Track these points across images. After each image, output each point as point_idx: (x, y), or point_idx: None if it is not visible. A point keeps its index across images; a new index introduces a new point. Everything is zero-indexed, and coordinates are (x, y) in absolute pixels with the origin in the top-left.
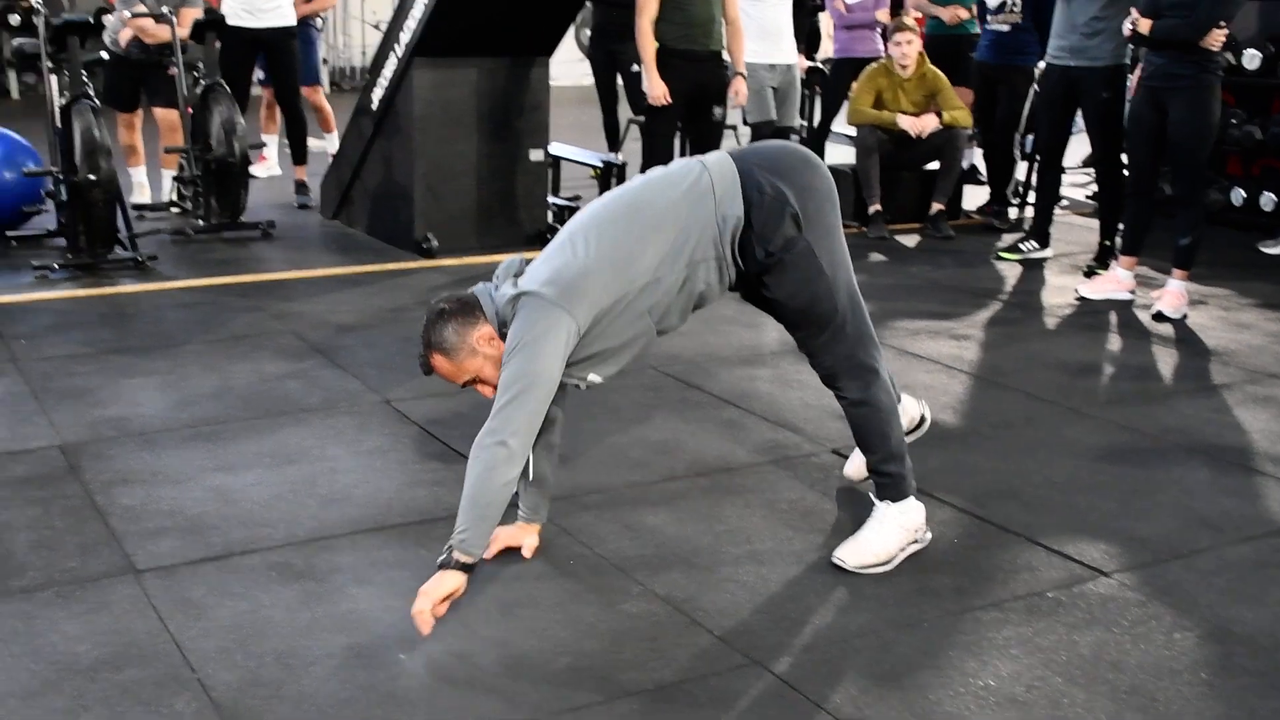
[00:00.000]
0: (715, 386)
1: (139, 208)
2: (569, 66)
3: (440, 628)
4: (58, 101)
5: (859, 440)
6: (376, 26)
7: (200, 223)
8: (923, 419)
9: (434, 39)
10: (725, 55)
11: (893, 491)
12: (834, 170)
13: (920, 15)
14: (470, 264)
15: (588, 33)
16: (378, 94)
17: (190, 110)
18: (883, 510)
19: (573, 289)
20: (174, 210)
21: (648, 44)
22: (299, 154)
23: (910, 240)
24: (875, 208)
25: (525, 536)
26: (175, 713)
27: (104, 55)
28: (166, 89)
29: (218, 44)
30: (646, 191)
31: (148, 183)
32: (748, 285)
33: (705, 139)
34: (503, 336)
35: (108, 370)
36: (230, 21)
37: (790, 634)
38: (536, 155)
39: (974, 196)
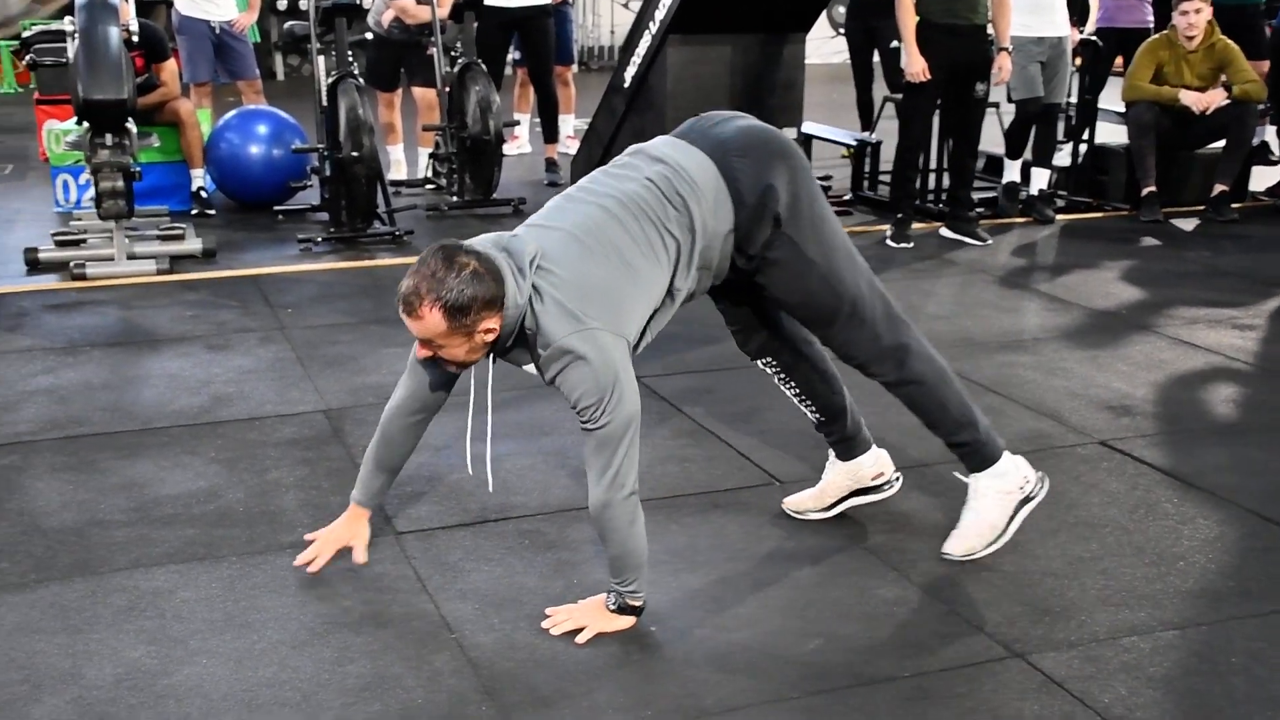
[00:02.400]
0: (973, 372)
1: (396, 184)
2: (817, 44)
3: (690, 602)
4: (324, 81)
5: (921, 418)
6: (626, 5)
7: (454, 199)
8: (886, 483)
9: (688, 16)
10: (990, 29)
11: (976, 460)
12: (1102, 149)
13: None
14: None
15: (842, 10)
16: (630, 71)
17: (448, 89)
18: (975, 484)
19: (617, 314)
20: (429, 187)
21: (908, 18)
22: (550, 132)
23: (1187, 224)
24: (1149, 189)
25: (355, 528)
26: (435, 670)
27: (367, 36)
28: (425, 68)
29: (475, 24)
30: (639, 194)
31: (405, 160)
32: (740, 285)
33: (965, 117)
34: (508, 330)
35: (369, 339)
36: (487, 2)
37: (1054, 629)
38: (789, 134)
39: (1263, 177)
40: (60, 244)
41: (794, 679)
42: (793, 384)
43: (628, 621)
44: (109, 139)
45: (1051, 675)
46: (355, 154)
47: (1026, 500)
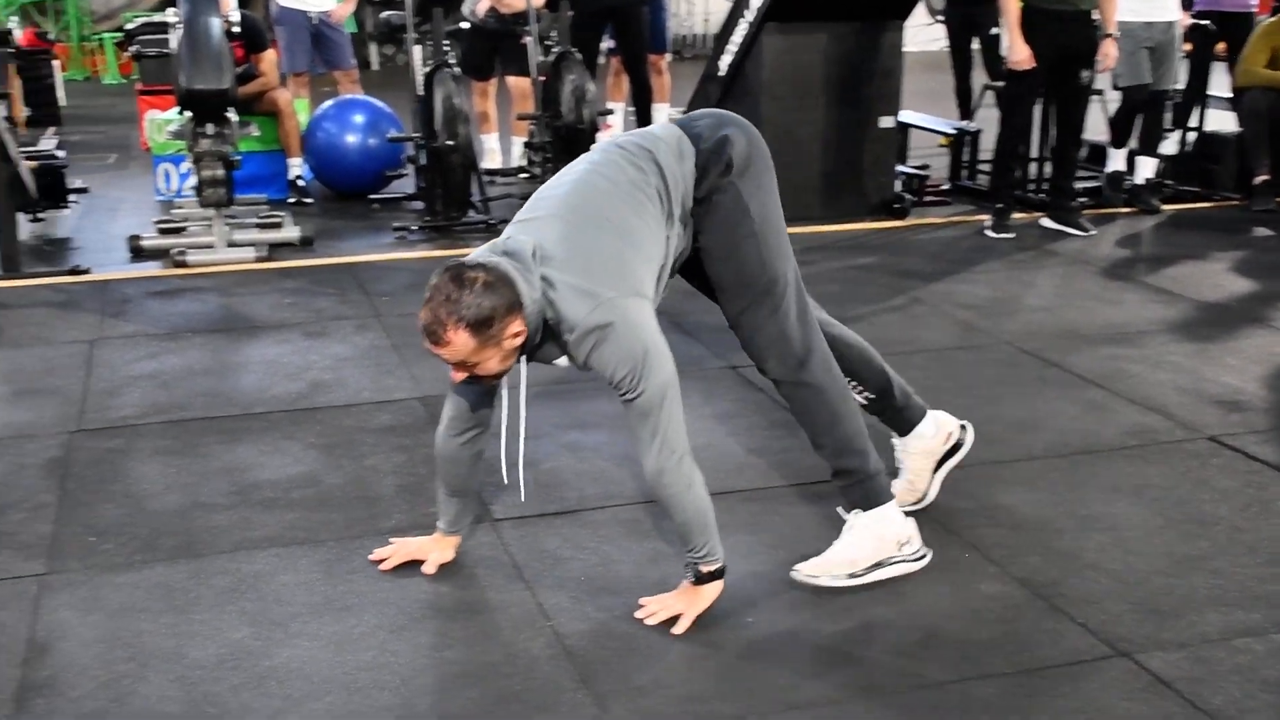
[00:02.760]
0: (1078, 365)
1: (490, 173)
2: (913, 32)
3: (789, 591)
4: (420, 71)
5: (808, 431)
6: None
7: None
8: (960, 443)
9: (786, 4)
10: (1095, 14)
11: (858, 495)
12: (1211, 136)
13: None
14: (814, 232)
15: None
16: (726, 60)
17: (542, 78)
18: (852, 520)
19: (633, 276)
20: (523, 175)
21: (1012, 3)
22: (644, 121)
23: None
24: (1262, 178)
25: (437, 549)
26: (531, 657)
27: (462, 25)
28: (520, 57)
29: (570, 13)
30: (629, 168)
31: (499, 149)
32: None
33: (1069, 105)
34: (533, 327)
35: None
36: None
37: (1163, 628)
38: (887, 122)
39: None
40: (162, 232)
41: (893, 673)
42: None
43: (714, 590)
44: (210, 128)
45: (1160, 675)
46: (451, 143)
47: (898, 562)
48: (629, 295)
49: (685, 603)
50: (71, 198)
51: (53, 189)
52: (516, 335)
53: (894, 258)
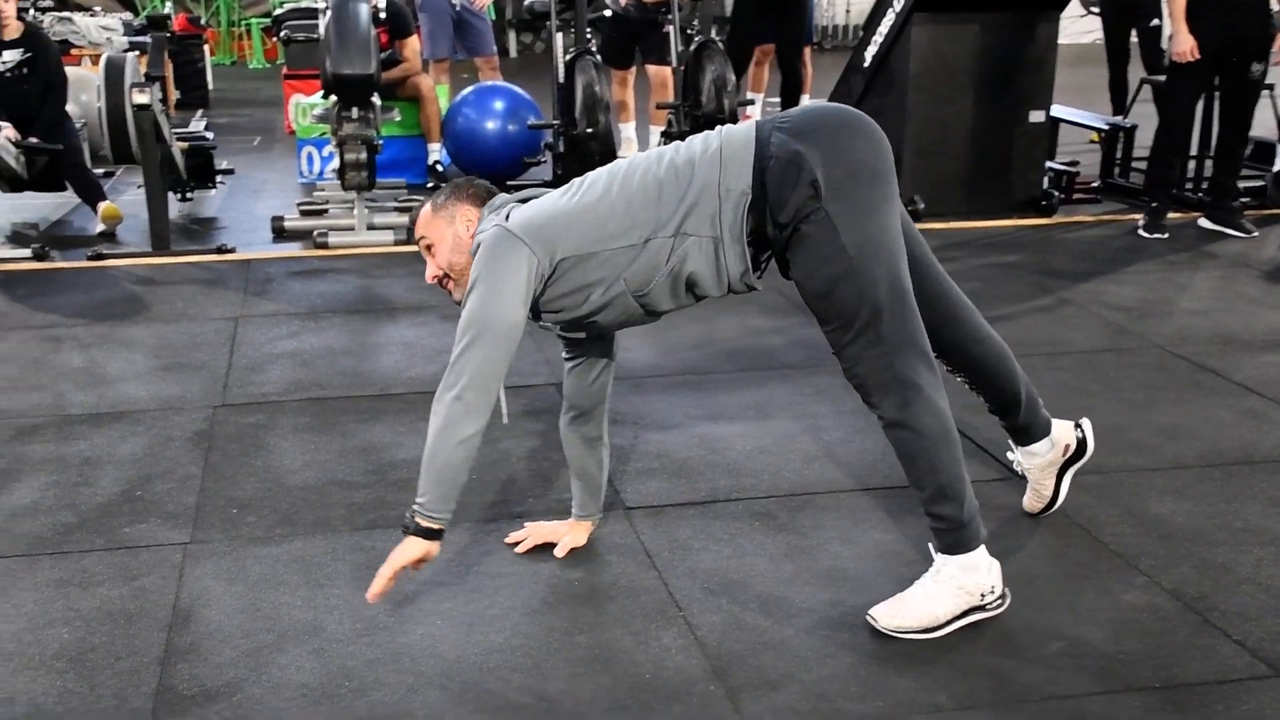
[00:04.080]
0: (1235, 372)
1: None
2: (1065, 23)
3: None
4: (561, 58)
5: (906, 472)
6: None
7: None
8: (1081, 444)
9: None
10: (1274, 3)
11: (949, 541)
12: None
13: None
14: (958, 229)
15: None
16: (871, 51)
17: (682, 67)
18: (939, 565)
19: (542, 227)
20: None
21: None
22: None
23: None
24: None
25: (570, 533)
26: (663, 646)
27: (604, 14)
28: (660, 46)
29: (712, 2)
30: (656, 155)
31: (635, 137)
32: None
33: (1237, 99)
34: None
35: None
36: None
37: None
38: (1037, 117)
39: None
40: (304, 213)
41: (1033, 681)
42: (963, 376)
43: (416, 550)
44: (354, 113)
45: None
46: (590, 130)
47: (979, 609)
48: (521, 236)
49: (394, 550)
50: (219, 179)
51: (202, 170)
52: (468, 221)
53: (1041, 256)
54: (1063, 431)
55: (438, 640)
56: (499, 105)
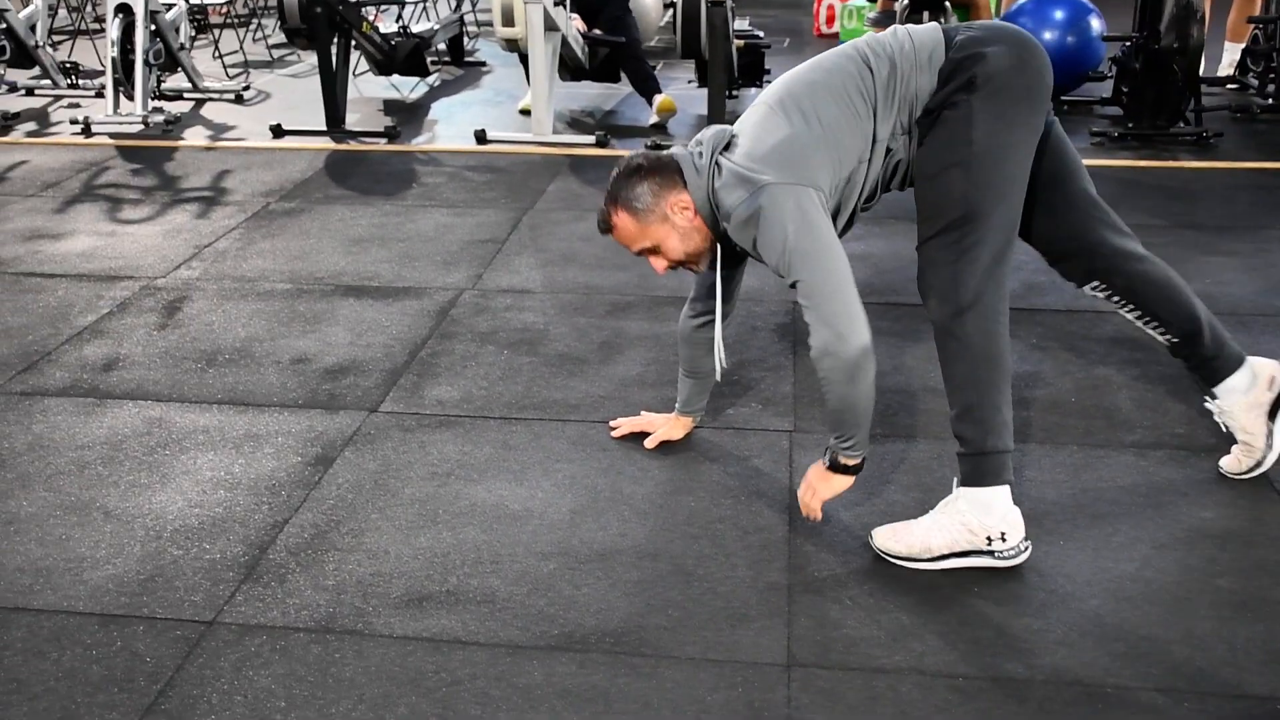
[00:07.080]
0: None
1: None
2: None
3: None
4: None
5: (946, 384)
6: None
7: (1269, 101)
8: None
9: None
10: None
11: (967, 469)
12: None
13: None
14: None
15: None
16: None
17: None
18: (953, 496)
19: (804, 164)
20: (1230, 87)
21: None
22: None
23: None
24: None
25: (667, 427)
26: None
27: None
28: None
29: None
30: (853, 62)
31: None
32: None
33: None
34: (705, 212)
35: (1182, 243)
36: None
37: None
38: None
39: None
40: None
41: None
42: (1132, 306)
43: (844, 482)
44: (924, 17)
45: None
46: (1177, 46)
47: (983, 554)
48: (789, 183)
49: (816, 483)
50: (765, 79)
51: (752, 68)
52: (684, 209)
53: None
54: (1264, 364)
55: (1064, 560)
56: (1059, 15)
